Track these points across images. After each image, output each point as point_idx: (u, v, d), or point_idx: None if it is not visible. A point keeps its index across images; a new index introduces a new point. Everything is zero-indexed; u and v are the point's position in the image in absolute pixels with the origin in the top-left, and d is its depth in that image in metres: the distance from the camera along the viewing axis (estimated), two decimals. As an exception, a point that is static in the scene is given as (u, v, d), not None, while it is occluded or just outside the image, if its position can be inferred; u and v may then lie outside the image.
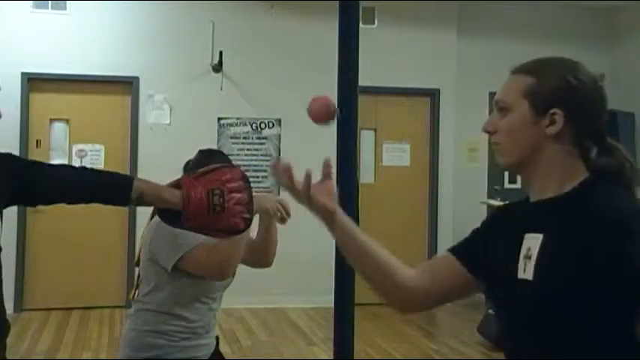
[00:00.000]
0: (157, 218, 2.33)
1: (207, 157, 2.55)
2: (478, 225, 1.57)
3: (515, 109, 1.42)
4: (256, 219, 2.30)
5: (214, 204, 1.93)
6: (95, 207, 2.01)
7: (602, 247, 1.26)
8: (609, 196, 1.35)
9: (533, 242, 1.37)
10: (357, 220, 2.01)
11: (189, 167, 2.50)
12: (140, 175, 6.86)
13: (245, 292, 4.85)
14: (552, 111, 1.38)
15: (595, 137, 1.43)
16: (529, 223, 1.41)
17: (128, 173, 6.97)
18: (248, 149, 7.33)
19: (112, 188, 1.94)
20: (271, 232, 2.62)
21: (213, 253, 2.37)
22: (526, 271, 1.36)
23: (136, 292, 2.58)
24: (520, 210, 1.50)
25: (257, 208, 2.23)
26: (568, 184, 1.40)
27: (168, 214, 1.97)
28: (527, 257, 1.36)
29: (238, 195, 1.96)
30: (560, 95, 1.39)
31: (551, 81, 1.40)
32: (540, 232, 1.37)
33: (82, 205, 2.00)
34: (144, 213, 2.63)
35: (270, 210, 2.48)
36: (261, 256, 2.63)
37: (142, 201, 1.92)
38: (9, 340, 2.00)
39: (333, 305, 2.12)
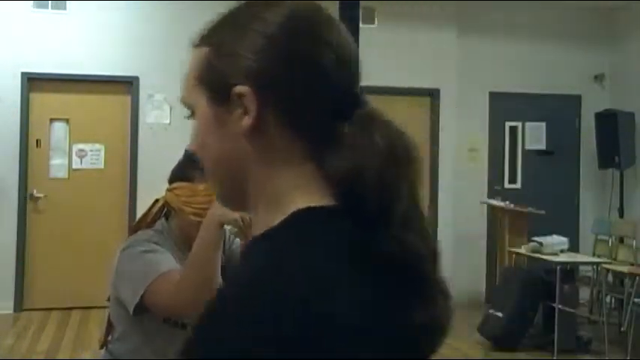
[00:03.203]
0: (127, 241, 1.89)
1: (190, 160, 1.93)
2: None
3: (196, 106, 0.84)
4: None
5: None
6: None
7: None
8: (275, 250, 0.73)
9: None
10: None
11: (172, 173, 2.02)
12: (140, 174, 6.91)
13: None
14: (236, 90, 0.78)
15: (321, 124, 0.80)
16: None
17: (128, 173, 6.98)
18: (248, 149, 7.32)
19: None
20: None
21: (180, 287, 1.70)
22: None
23: (108, 336, 1.98)
24: None
25: (223, 219, 1.73)
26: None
27: None
28: None
29: None
30: (241, 58, 0.80)
31: (229, 40, 0.82)
32: None
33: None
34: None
35: (239, 220, 1.75)
36: None
37: None
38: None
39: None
